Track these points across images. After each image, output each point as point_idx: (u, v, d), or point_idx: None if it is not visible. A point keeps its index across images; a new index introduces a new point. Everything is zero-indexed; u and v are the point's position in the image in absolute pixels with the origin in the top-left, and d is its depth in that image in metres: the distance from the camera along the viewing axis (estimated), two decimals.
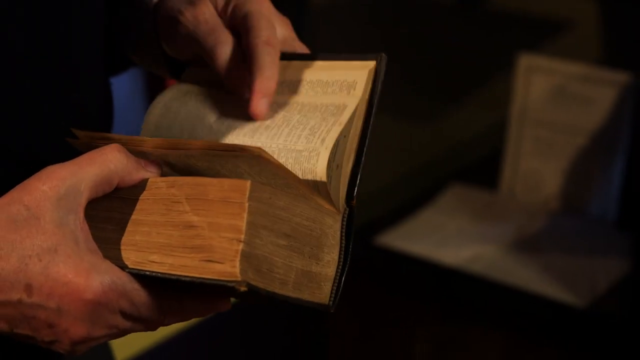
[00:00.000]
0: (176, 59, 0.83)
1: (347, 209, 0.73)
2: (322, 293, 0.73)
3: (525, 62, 1.76)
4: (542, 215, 1.73)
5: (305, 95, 0.78)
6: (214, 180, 0.67)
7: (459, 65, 1.91)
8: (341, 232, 0.73)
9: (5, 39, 0.73)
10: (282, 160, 0.72)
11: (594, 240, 1.66)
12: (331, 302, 0.73)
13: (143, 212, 0.69)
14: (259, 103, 0.76)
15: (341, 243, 0.73)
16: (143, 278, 0.68)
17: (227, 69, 0.77)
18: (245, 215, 0.66)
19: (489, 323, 1.60)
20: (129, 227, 0.69)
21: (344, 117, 0.74)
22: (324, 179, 0.71)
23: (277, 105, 0.78)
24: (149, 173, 0.69)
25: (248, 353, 1.92)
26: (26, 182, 0.66)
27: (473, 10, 1.93)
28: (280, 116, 0.77)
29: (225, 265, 0.66)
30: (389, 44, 1.89)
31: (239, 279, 0.66)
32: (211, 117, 0.78)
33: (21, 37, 0.74)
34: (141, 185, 0.69)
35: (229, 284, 0.66)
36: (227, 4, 0.79)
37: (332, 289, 0.73)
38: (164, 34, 0.82)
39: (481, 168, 1.88)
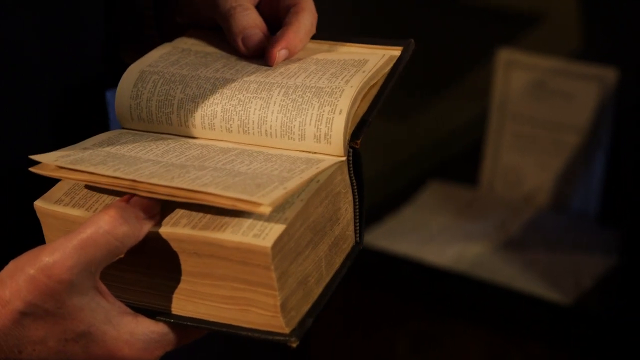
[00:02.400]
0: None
1: (351, 150, 0.70)
2: (347, 242, 0.72)
3: (505, 56, 1.75)
4: (523, 211, 1.73)
5: (320, 60, 0.76)
6: (228, 242, 0.64)
7: (437, 60, 1.89)
8: (350, 174, 0.71)
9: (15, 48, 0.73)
10: (297, 97, 0.70)
11: (577, 236, 1.66)
12: (358, 239, 0.72)
13: (158, 259, 0.67)
14: (280, 52, 0.75)
15: (352, 184, 0.71)
16: (180, 326, 0.67)
17: (243, 29, 0.76)
18: (274, 275, 0.64)
19: (474, 321, 1.60)
20: (145, 270, 0.68)
21: (368, 67, 0.73)
22: (345, 112, 0.69)
23: (290, 61, 0.76)
24: (150, 224, 0.66)
25: (227, 345, 1.90)
26: (27, 272, 0.63)
27: (449, 3, 1.91)
28: (295, 66, 0.75)
29: (267, 318, 0.65)
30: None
31: (287, 331, 0.65)
32: (217, 64, 0.76)
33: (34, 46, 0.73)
34: (146, 237, 0.66)
35: (280, 340, 0.65)
36: None
37: (355, 228, 0.72)
38: (176, 4, 0.81)
39: (461, 164, 1.87)
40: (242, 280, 0.65)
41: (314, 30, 0.78)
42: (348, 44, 0.78)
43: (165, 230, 0.66)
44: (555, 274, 1.58)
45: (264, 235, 0.63)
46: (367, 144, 0.72)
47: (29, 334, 0.64)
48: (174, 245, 0.66)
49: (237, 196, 0.63)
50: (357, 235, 0.73)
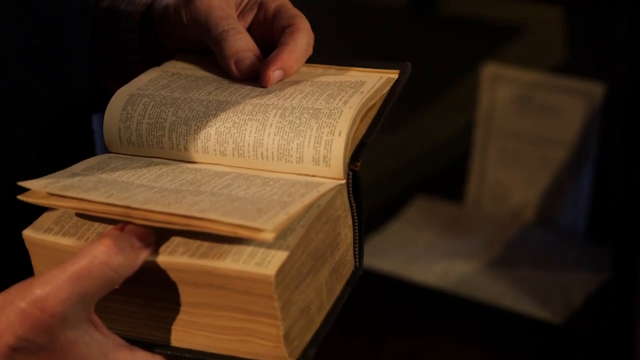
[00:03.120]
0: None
1: (350, 173, 0.69)
2: (347, 267, 0.70)
3: (490, 71, 1.74)
4: (510, 227, 1.72)
5: (315, 82, 0.74)
6: (229, 271, 0.62)
7: (422, 75, 1.88)
8: (349, 196, 0.69)
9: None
10: (295, 119, 0.69)
11: (565, 253, 1.65)
12: (357, 264, 0.71)
13: (154, 290, 0.64)
14: (275, 72, 0.73)
15: (351, 206, 0.69)
16: (178, 358, 0.65)
17: (236, 52, 0.74)
18: (277, 304, 0.62)
19: (461, 340, 1.59)
20: (140, 301, 0.65)
21: (366, 88, 0.71)
22: (344, 134, 0.67)
23: (285, 82, 0.74)
24: (146, 253, 0.64)
25: None
26: (18, 305, 0.60)
27: (426, 14, 1.91)
28: (290, 88, 0.73)
29: (269, 349, 0.63)
30: (346, 51, 1.87)
31: None
32: (209, 87, 0.74)
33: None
34: (144, 268, 0.64)
35: None
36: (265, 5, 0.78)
37: (354, 254, 0.70)
38: (163, 25, 0.80)
39: (447, 180, 1.86)
40: (243, 310, 0.63)
41: (310, 51, 0.76)
42: (343, 67, 0.76)
43: (162, 259, 0.63)
44: (544, 291, 1.57)
45: (266, 264, 0.61)
46: (361, 183, 0.71)
47: None
48: (172, 275, 0.64)
49: (239, 222, 0.61)
50: (357, 260, 0.71)
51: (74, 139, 0.79)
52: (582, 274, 1.59)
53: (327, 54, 0.79)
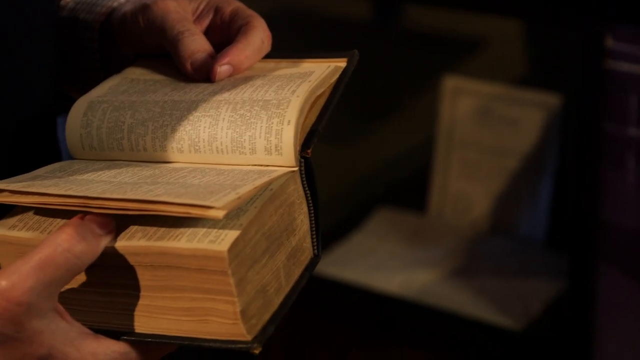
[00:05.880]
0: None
1: (302, 160, 0.71)
2: (305, 253, 0.72)
3: (451, 83, 1.77)
4: (472, 237, 1.73)
5: (266, 75, 0.77)
6: (184, 250, 0.64)
7: (383, 88, 1.90)
8: (302, 183, 0.71)
9: None
10: (246, 112, 0.71)
11: (525, 261, 1.67)
12: (316, 252, 0.73)
13: (112, 276, 0.66)
14: (223, 67, 0.76)
15: (305, 193, 0.72)
16: (142, 343, 0.66)
17: (191, 53, 0.77)
18: (231, 280, 0.64)
19: (423, 348, 1.60)
20: (102, 290, 0.67)
21: (314, 77, 0.74)
22: (293, 123, 0.70)
23: (237, 78, 0.76)
24: (107, 240, 0.66)
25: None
26: None
27: (388, 27, 1.93)
28: (241, 83, 0.75)
29: (228, 327, 0.65)
30: None
31: (249, 339, 0.65)
32: (165, 89, 0.76)
33: None
34: (105, 254, 0.66)
35: (242, 348, 0.65)
36: (225, 8, 0.80)
37: (312, 240, 0.72)
38: (121, 32, 0.82)
39: (408, 191, 1.87)
40: (200, 290, 0.65)
41: (266, 48, 0.79)
42: (294, 60, 0.79)
43: (121, 244, 0.65)
44: (504, 299, 1.58)
45: (219, 241, 0.63)
46: (315, 171, 0.72)
47: None
48: (131, 260, 0.66)
49: (190, 202, 0.63)
50: (315, 247, 0.73)
51: (39, 147, 0.80)
52: (541, 282, 1.61)
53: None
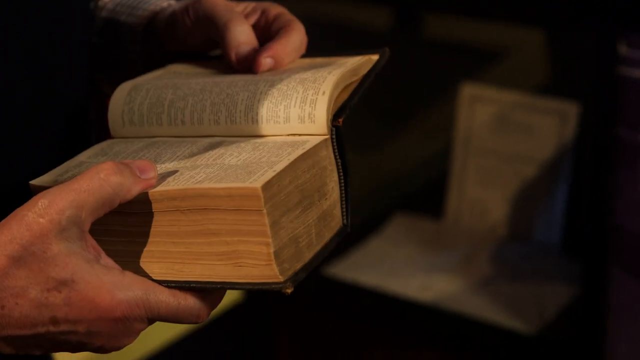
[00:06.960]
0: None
1: (334, 128, 0.74)
2: (335, 220, 0.74)
3: (468, 91, 1.78)
4: (488, 242, 1.74)
5: (303, 66, 0.80)
6: (220, 191, 0.66)
7: (402, 95, 1.91)
8: (334, 151, 0.74)
9: None
10: (283, 86, 0.74)
11: (540, 266, 1.67)
12: (345, 222, 0.75)
13: (150, 224, 0.68)
14: (267, 60, 0.79)
15: (337, 161, 0.74)
16: (175, 288, 0.68)
17: (238, 44, 0.80)
18: (266, 220, 0.66)
19: (439, 352, 1.61)
20: (139, 239, 0.69)
21: (349, 64, 0.77)
22: (328, 93, 0.73)
23: (275, 72, 0.80)
24: (147, 183, 0.68)
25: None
26: (22, 214, 0.64)
27: (409, 36, 1.94)
28: (280, 72, 0.79)
29: (261, 269, 0.67)
30: None
31: (281, 280, 0.67)
32: (206, 77, 0.80)
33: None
34: (139, 200, 0.68)
35: (275, 288, 0.66)
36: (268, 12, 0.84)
37: (342, 210, 0.74)
38: (168, 29, 0.85)
39: (426, 197, 1.88)
40: (235, 232, 0.67)
41: (303, 50, 0.83)
42: (329, 57, 0.82)
43: (158, 189, 0.68)
44: (519, 304, 1.59)
45: (253, 180, 0.66)
46: (345, 143, 0.75)
47: (12, 284, 0.63)
48: (168, 205, 0.67)
49: (230, 185, 0.66)
50: (345, 217, 0.75)
51: (74, 148, 0.82)
52: (555, 287, 1.62)
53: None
